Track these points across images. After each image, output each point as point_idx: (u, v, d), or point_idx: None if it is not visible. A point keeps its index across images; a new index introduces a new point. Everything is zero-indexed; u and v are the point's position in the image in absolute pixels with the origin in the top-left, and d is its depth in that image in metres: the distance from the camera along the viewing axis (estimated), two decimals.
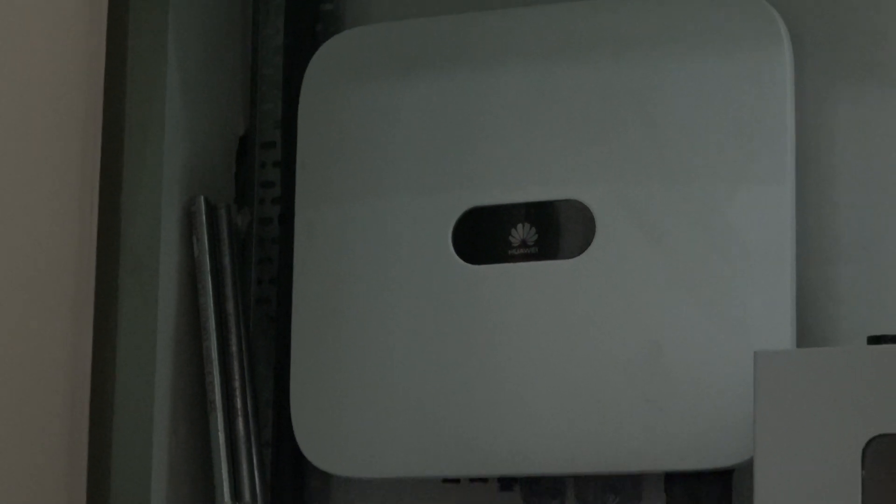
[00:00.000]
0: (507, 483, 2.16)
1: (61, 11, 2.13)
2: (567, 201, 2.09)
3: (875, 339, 1.82)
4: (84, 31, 2.15)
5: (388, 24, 2.26)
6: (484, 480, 2.16)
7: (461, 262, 2.12)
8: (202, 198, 2.24)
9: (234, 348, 2.24)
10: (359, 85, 2.22)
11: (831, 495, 1.78)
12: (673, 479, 2.05)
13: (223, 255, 2.25)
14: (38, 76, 2.11)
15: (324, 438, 2.19)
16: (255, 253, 2.33)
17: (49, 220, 2.13)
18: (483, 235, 2.13)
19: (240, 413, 2.22)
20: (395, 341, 2.17)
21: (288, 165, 2.26)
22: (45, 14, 2.10)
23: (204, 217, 2.24)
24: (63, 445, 2.09)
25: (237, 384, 2.23)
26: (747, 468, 1.85)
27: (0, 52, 2.04)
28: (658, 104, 2.08)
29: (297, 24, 2.32)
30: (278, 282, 2.28)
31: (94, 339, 2.15)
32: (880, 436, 1.77)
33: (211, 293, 2.23)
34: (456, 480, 2.17)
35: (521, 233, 2.10)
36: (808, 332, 2.02)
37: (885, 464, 1.78)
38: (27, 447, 2.07)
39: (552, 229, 2.11)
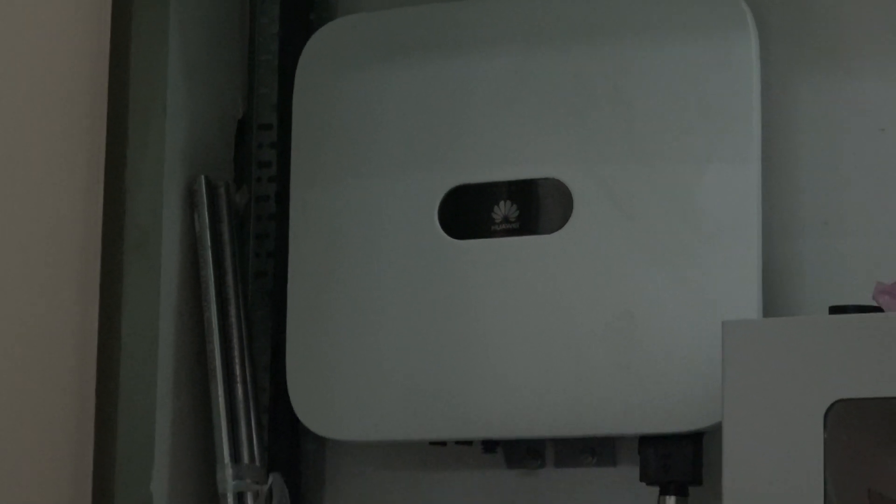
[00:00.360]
0: (490, 445, 2.16)
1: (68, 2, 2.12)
2: (546, 180, 2.09)
3: (836, 309, 1.83)
4: (89, 19, 2.15)
5: (377, 13, 2.26)
6: (469, 443, 2.17)
7: (447, 237, 2.13)
8: (203, 177, 2.25)
9: (233, 319, 2.25)
10: (350, 70, 2.22)
11: (795, 457, 1.78)
12: (646, 442, 2.03)
13: (223, 230, 2.27)
14: (44, 62, 2.11)
15: (318, 404, 2.20)
16: (253, 229, 2.35)
17: (57, 198, 2.13)
18: (467, 212, 2.14)
19: (239, 380, 2.23)
20: (384, 312, 2.17)
21: (283, 146, 2.29)
22: (53, 3, 2.11)
23: (205, 195, 2.25)
24: (72, 408, 2.14)
25: (236, 353, 2.25)
26: (716, 431, 1.85)
27: (7, 38, 2.05)
28: (632, 89, 2.09)
29: (292, 13, 2.34)
30: (275, 256, 2.31)
31: (100, 310, 2.17)
32: (841, 400, 1.78)
33: (211, 266, 2.24)
34: (442, 443, 2.17)
35: (504, 209, 2.11)
36: (773, 302, 2.02)
37: (845, 427, 1.79)
38: (40, 405, 2.11)
39: (532, 206, 2.12)
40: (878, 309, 1.85)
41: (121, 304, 2.20)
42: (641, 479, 2.06)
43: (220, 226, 2.28)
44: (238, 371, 2.25)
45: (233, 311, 2.27)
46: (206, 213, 2.26)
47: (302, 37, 2.28)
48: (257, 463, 2.23)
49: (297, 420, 2.21)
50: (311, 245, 2.23)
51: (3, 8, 2.04)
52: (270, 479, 2.23)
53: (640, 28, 2.12)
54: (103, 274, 2.18)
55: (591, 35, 2.15)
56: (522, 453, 2.19)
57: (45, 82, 2.11)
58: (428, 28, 2.23)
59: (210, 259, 2.26)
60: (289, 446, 2.29)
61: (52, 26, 2.12)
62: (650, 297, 2.04)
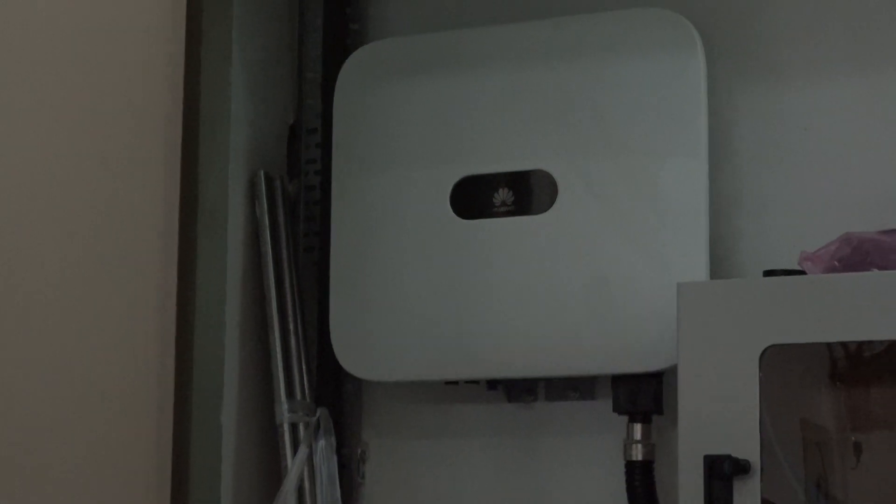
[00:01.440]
0: (492, 384, 2.22)
1: (150, 29, 2.14)
2: (536, 171, 2.13)
3: (769, 273, 1.89)
4: (168, 46, 2.17)
5: (399, 39, 2.31)
6: (476, 382, 2.21)
7: (457, 217, 2.16)
8: (262, 171, 2.28)
9: (287, 284, 2.28)
10: (379, 85, 2.25)
11: (736, 391, 1.83)
12: (618, 380, 2.09)
13: (278, 214, 2.30)
14: (133, 80, 2.12)
15: (356, 351, 2.23)
16: (303, 212, 2.36)
17: (143, 188, 2.14)
18: (473, 197, 2.17)
19: (292, 333, 2.27)
20: (408, 278, 2.20)
21: (326, 146, 2.31)
22: (139, 30, 2.12)
23: (263, 186, 2.28)
24: (156, 355, 2.15)
25: (289, 311, 2.28)
26: (673, 371, 1.89)
27: (105, 59, 2.06)
28: (603, 97, 2.13)
29: (332, 39, 2.35)
30: (320, 234, 2.33)
31: (178, 279, 2.20)
32: (773, 346, 1.83)
33: (269, 243, 2.28)
34: (455, 382, 2.22)
35: (502, 195, 2.14)
36: (718, 268, 2.07)
37: (775, 366, 1.83)
38: (132, 352, 2.12)
39: (525, 192, 2.15)
40: (801, 272, 1.89)
41: (195, 274, 2.21)
42: (614, 410, 2.10)
43: (276, 210, 2.30)
44: (291, 326, 2.28)
45: (286, 278, 2.29)
46: (265, 201, 2.30)
47: (340, 58, 2.30)
48: (307, 399, 2.26)
49: (339, 365, 2.24)
50: (349, 225, 2.25)
51: (105, 39, 2.05)
52: (318, 413, 2.26)
53: (609, 47, 2.15)
54: (180, 250, 2.20)
55: (571, 54, 2.18)
56: (519, 390, 2.23)
57: (133, 96, 2.11)
58: (440, 51, 2.26)
59: (268, 237, 2.28)
60: (332, 386, 2.31)
61: (139, 53, 2.13)
62: (619, 264, 2.09)
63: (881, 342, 1.90)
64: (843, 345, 1.92)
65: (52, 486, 1.97)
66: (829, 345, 1.91)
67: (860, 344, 1.92)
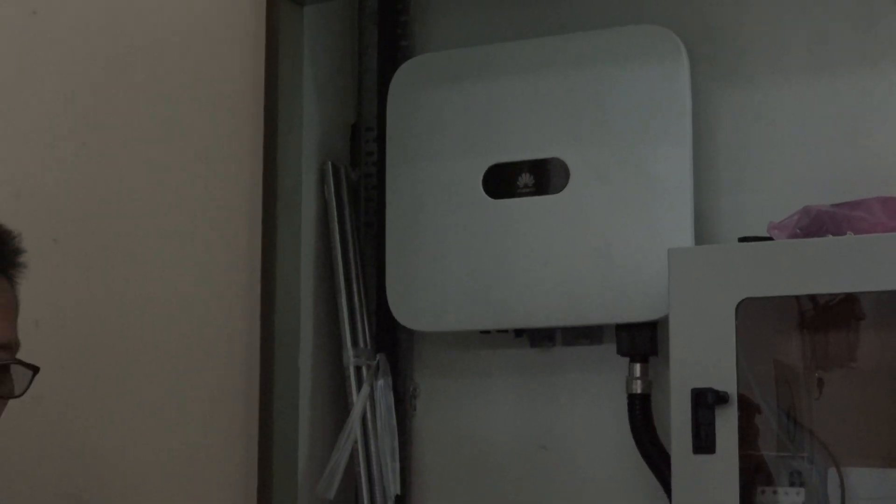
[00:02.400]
0: (518, 332, 2.24)
1: (238, 48, 2.17)
2: (552, 159, 2.15)
3: (744, 239, 1.93)
4: (252, 59, 2.19)
5: (441, 53, 2.32)
6: (505, 331, 2.24)
7: (487, 197, 2.19)
8: (329, 162, 2.32)
9: (350, 254, 2.31)
10: (423, 90, 2.27)
11: (717, 336, 1.86)
12: (620, 328, 2.12)
13: (343, 196, 2.33)
14: (221, 86, 2.16)
15: (407, 307, 2.25)
16: (362, 195, 2.38)
17: (232, 176, 2.18)
18: (501, 181, 2.19)
19: (355, 293, 2.31)
20: (448, 247, 2.22)
21: (381, 141, 2.33)
22: (228, 49, 2.16)
23: (331, 174, 2.32)
24: (245, 310, 2.17)
25: (353, 275, 2.31)
26: (665, 320, 1.93)
27: (202, 73, 2.11)
28: (606, 98, 2.14)
29: (385, 54, 2.38)
30: (377, 212, 2.34)
31: (262, 251, 2.20)
32: (746, 299, 1.86)
33: (336, 220, 2.31)
34: (488, 332, 2.25)
35: (524, 179, 2.17)
36: (701, 235, 2.09)
37: (749, 317, 1.88)
38: (225, 309, 2.16)
39: (543, 176, 2.17)
40: (769, 238, 1.92)
41: (276, 246, 2.20)
42: (618, 353, 2.12)
43: (341, 194, 2.33)
44: (354, 287, 2.31)
45: (350, 248, 2.32)
46: (332, 186, 2.32)
47: (392, 69, 2.31)
48: (368, 347, 2.30)
49: (393, 318, 2.26)
50: (401, 205, 2.27)
51: (202, 57, 2.10)
52: (377, 358, 2.29)
53: (610, 58, 2.15)
54: (263, 227, 2.20)
55: (579, 64, 2.17)
56: (540, 337, 2.25)
57: (225, 103, 2.16)
58: (473, 63, 2.25)
59: (335, 216, 2.31)
60: (388, 335, 2.33)
61: (229, 67, 2.17)
62: (620, 234, 2.10)
63: (835, 295, 1.94)
64: (805, 297, 1.95)
65: (175, 409, 2.02)
66: (793, 297, 1.94)
67: (819, 296, 1.94)
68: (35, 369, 1.38)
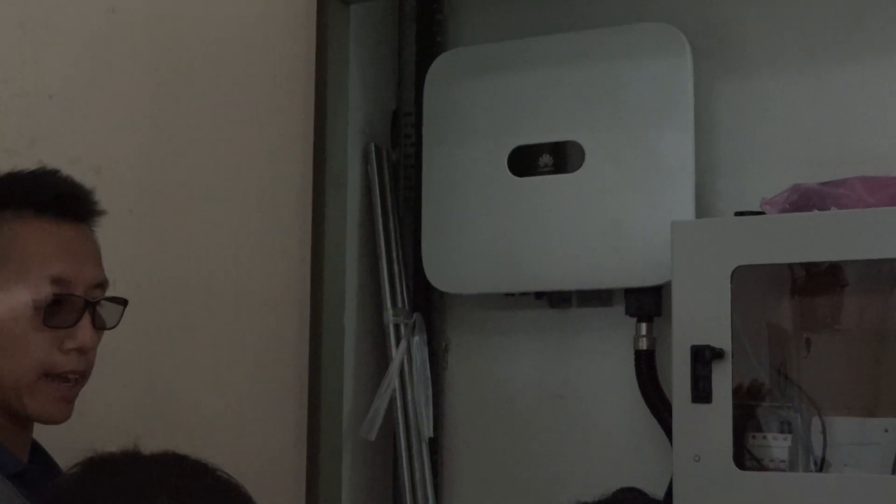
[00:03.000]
0: (539, 295, 2.25)
1: (291, 45, 2.18)
2: (570, 141, 2.16)
3: (738, 213, 1.95)
4: (303, 54, 2.20)
5: (471, 48, 2.31)
6: (527, 294, 2.25)
7: (512, 175, 2.19)
8: (372, 144, 2.33)
9: (390, 224, 2.33)
10: (456, 81, 2.27)
11: (714, 299, 1.88)
12: (629, 292, 2.13)
13: (384, 174, 2.34)
14: (280, 80, 2.18)
15: (441, 272, 2.26)
16: (402, 173, 2.39)
17: (285, 156, 2.19)
18: (524, 161, 2.19)
19: (394, 259, 2.32)
20: (477, 218, 2.23)
21: (418, 125, 2.32)
22: (283, 47, 2.18)
23: (373, 154, 2.33)
24: (297, 274, 2.18)
25: (393, 244, 2.33)
26: (668, 285, 1.96)
27: (260, 65, 2.12)
28: (618, 87, 2.14)
29: (422, 49, 2.38)
30: (414, 188, 2.35)
31: (312, 223, 2.21)
32: (740, 266, 1.88)
33: (378, 195, 2.32)
34: (512, 294, 2.26)
35: (545, 159, 2.18)
36: (701, 210, 2.09)
37: (743, 283, 1.89)
38: (279, 275, 2.17)
39: (561, 157, 2.17)
40: (762, 213, 1.93)
41: (324, 217, 2.20)
42: (626, 314, 2.14)
43: (382, 172, 2.34)
44: (394, 255, 2.32)
45: (390, 220, 2.33)
46: (374, 165, 2.33)
47: (428, 61, 2.30)
48: (406, 307, 2.31)
49: (428, 282, 2.27)
50: (435, 181, 2.28)
51: (260, 55, 2.10)
52: (414, 317, 2.30)
53: (622, 52, 2.15)
54: (314, 201, 2.20)
55: (594, 57, 2.17)
56: (559, 298, 2.24)
57: (281, 90, 2.17)
58: (499, 56, 2.26)
59: (377, 191, 2.32)
60: (424, 297, 2.33)
61: (281, 57, 2.18)
62: (630, 209, 2.11)
63: (821, 263, 1.94)
64: (794, 265, 1.95)
65: (235, 360, 2.03)
66: (783, 265, 1.95)
67: (806, 265, 1.95)
68: (125, 302, 1.42)
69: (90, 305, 1.36)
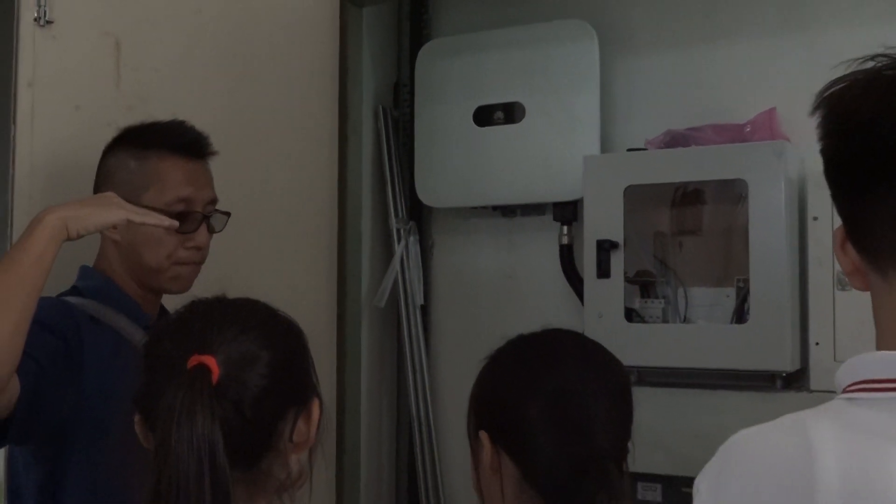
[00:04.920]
0: (495, 208, 2.25)
1: (318, 35, 2.05)
2: (515, 102, 2.15)
3: (630, 149, 1.97)
4: (329, 42, 2.07)
5: (448, 38, 2.29)
6: (486, 207, 2.24)
7: (476, 126, 2.18)
8: (381, 105, 2.33)
9: (394, 161, 2.32)
10: (438, 61, 2.25)
11: (612, 209, 1.91)
12: (555, 205, 2.12)
13: (389, 127, 2.33)
14: (312, 61, 2.03)
15: (428, 192, 2.25)
16: (402, 126, 2.35)
17: (319, 115, 2.06)
18: (484, 115, 2.18)
19: (397, 184, 2.32)
20: (451, 155, 2.20)
21: (412, 93, 2.29)
22: (312, 35, 2.03)
23: (381, 112, 2.32)
24: (328, 192, 2.07)
25: (395, 174, 2.32)
26: (581, 200, 1.98)
27: (298, 52, 1.98)
28: (548, 63, 2.12)
29: (414, 38, 2.35)
30: (409, 136, 2.31)
31: (338, 161, 2.11)
32: (630, 185, 1.89)
33: (384, 140, 2.32)
34: (476, 207, 2.25)
35: (498, 115, 2.18)
36: (604, 147, 2.08)
37: (632, 197, 1.91)
38: (314, 205, 2.01)
39: (509, 113, 2.16)
40: (645, 149, 1.95)
41: (346, 157, 2.14)
42: (554, 219, 2.13)
43: (388, 125, 2.33)
44: (396, 180, 2.31)
45: (393, 155, 2.32)
46: (382, 120, 2.32)
47: (418, 48, 2.29)
48: (404, 216, 2.31)
49: (419, 199, 2.25)
50: (424, 130, 2.24)
51: (296, 41, 1.96)
52: (410, 223, 2.30)
53: (551, 39, 2.11)
54: (339, 142, 2.10)
55: (532, 43, 2.13)
56: (508, 210, 2.24)
57: (313, 68, 2.02)
58: (467, 43, 2.22)
59: (384, 139, 2.31)
60: (417, 209, 2.32)
61: (314, 45, 2.03)
62: (557, 147, 2.09)
63: (686, 183, 1.95)
64: (668, 185, 1.95)
65: (283, 255, 1.90)
66: (661, 185, 1.94)
67: (676, 184, 1.96)
68: (229, 214, 1.40)
69: (206, 218, 1.35)
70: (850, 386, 0.68)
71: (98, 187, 1.33)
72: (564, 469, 0.93)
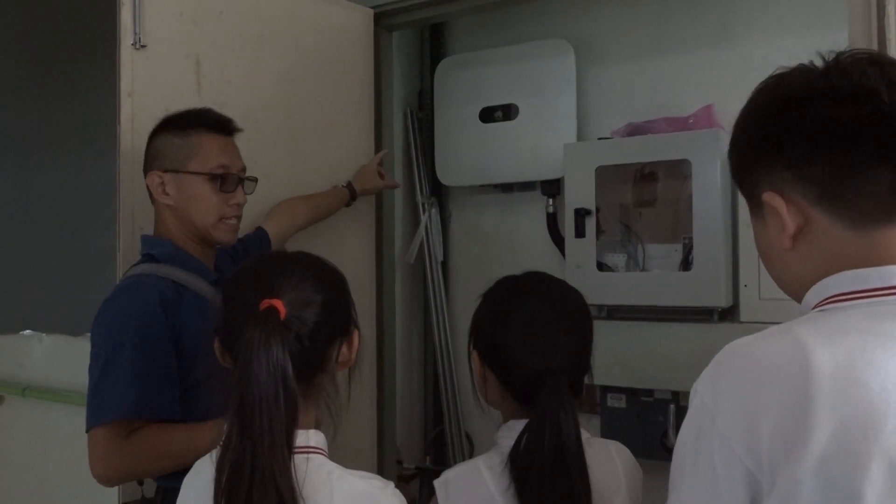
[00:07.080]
0: (496, 185, 2.21)
1: (358, 56, 1.92)
2: (511, 104, 2.09)
3: (600, 138, 1.89)
4: (366, 61, 1.94)
5: (460, 55, 2.23)
6: (490, 185, 2.20)
7: (481, 122, 2.13)
8: (409, 108, 2.30)
9: (419, 151, 2.28)
10: (452, 73, 2.22)
11: (585, 186, 1.83)
12: (543, 182, 2.08)
13: (415, 124, 2.30)
14: (354, 77, 1.90)
15: (447, 173, 2.21)
16: (425, 124, 2.29)
17: (358, 119, 1.89)
18: (487, 114, 2.14)
19: (422, 168, 2.28)
20: (464, 145, 2.16)
21: (433, 98, 2.25)
22: (353, 56, 1.90)
23: (409, 114, 2.30)
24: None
25: (420, 160, 2.28)
26: (563, 178, 1.92)
27: (343, 68, 1.86)
28: (536, 75, 2.05)
29: (434, 55, 2.30)
30: (431, 131, 2.27)
31: (375, 147, 1.95)
32: (600, 166, 1.84)
33: (412, 135, 2.28)
34: (482, 185, 2.19)
35: (498, 114, 2.12)
36: (580, 137, 2.03)
37: (602, 175, 1.85)
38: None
39: (508, 112, 2.11)
40: (611, 137, 1.90)
41: (381, 143, 1.97)
42: (542, 194, 2.10)
43: (414, 123, 2.29)
44: (422, 167, 2.28)
45: (419, 148, 2.28)
46: (409, 119, 2.30)
47: (437, 63, 2.26)
48: (428, 193, 2.27)
49: (439, 180, 2.23)
50: (443, 127, 2.21)
51: (341, 58, 1.84)
52: (432, 199, 2.28)
53: (538, 55, 2.06)
54: (375, 137, 1.95)
55: (524, 58, 2.07)
56: (506, 187, 2.19)
57: (355, 82, 1.89)
58: (475, 60, 2.17)
59: (411, 133, 2.28)
60: (437, 188, 2.29)
61: (355, 64, 1.89)
62: (545, 137, 2.04)
63: (645, 164, 1.89)
64: (630, 165, 1.90)
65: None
66: (624, 165, 1.89)
67: (636, 164, 1.90)
68: (256, 179, 1.34)
69: (242, 180, 1.29)
70: (819, 303, 0.65)
71: (148, 164, 1.27)
72: (527, 380, 0.94)
